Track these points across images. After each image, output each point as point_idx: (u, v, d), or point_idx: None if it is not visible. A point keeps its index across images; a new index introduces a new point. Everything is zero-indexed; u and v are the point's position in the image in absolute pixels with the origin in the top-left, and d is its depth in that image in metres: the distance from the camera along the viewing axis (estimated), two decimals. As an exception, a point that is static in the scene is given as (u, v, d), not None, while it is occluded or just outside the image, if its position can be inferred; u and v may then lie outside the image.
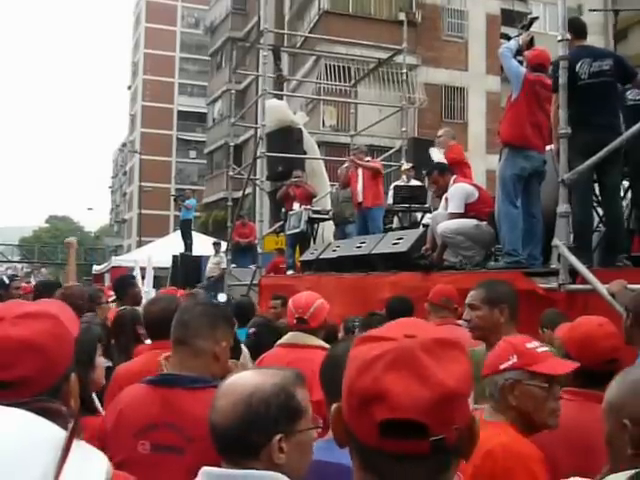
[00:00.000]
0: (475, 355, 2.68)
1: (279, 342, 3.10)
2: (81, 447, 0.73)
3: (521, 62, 5.38)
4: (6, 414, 0.73)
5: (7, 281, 6.38)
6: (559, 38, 4.78)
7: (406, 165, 9.82)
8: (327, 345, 2.97)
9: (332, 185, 11.80)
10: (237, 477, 1.31)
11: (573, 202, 4.93)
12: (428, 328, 0.93)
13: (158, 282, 14.15)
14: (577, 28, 5.00)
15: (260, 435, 1.31)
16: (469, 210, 5.72)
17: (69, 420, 0.73)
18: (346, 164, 9.28)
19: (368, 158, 8.98)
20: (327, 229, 10.24)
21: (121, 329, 3.68)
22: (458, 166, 7.30)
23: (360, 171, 8.59)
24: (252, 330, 3.86)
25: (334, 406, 0.92)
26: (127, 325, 3.68)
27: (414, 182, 9.24)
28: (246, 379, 1.38)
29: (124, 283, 5.20)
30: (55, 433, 0.71)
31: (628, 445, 1.20)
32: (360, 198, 8.48)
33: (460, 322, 3.91)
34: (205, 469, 1.34)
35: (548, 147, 5.34)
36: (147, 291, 10.17)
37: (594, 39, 6.70)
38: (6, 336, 1.19)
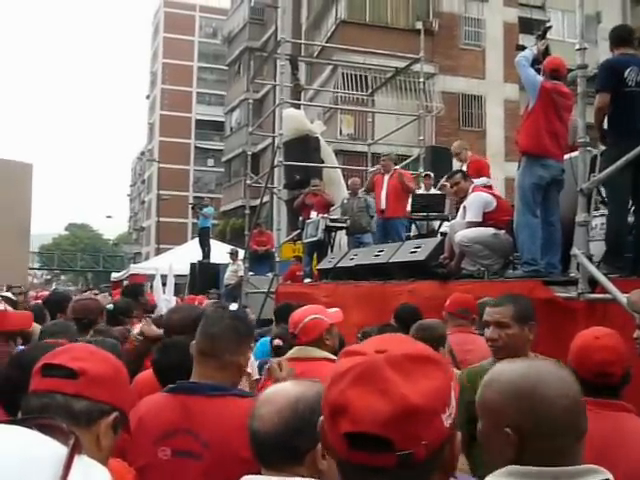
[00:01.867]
0: (471, 375, 2.58)
1: (284, 357, 3.10)
2: (83, 462, 0.73)
3: (539, 70, 5.35)
4: (7, 431, 0.72)
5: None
6: (577, 47, 4.76)
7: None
8: (333, 357, 2.97)
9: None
10: None
11: (610, 209, 4.85)
12: (404, 343, 0.93)
13: (176, 290, 14.22)
14: (621, 36, 4.90)
15: (306, 441, 1.33)
16: (487, 219, 5.71)
17: (70, 437, 0.74)
18: (374, 168, 9.18)
19: (397, 167, 8.92)
20: (344, 237, 10.25)
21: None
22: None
23: (386, 178, 8.50)
24: (277, 341, 3.78)
25: (320, 419, 0.93)
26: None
27: (433, 190, 9.23)
28: (288, 388, 1.43)
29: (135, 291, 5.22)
30: (56, 450, 0.71)
31: (511, 450, 1.18)
32: (383, 205, 8.42)
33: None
34: (245, 478, 1.35)
35: (567, 155, 5.31)
36: (168, 299, 10.18)
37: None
38: (95, 349, 1.43)
